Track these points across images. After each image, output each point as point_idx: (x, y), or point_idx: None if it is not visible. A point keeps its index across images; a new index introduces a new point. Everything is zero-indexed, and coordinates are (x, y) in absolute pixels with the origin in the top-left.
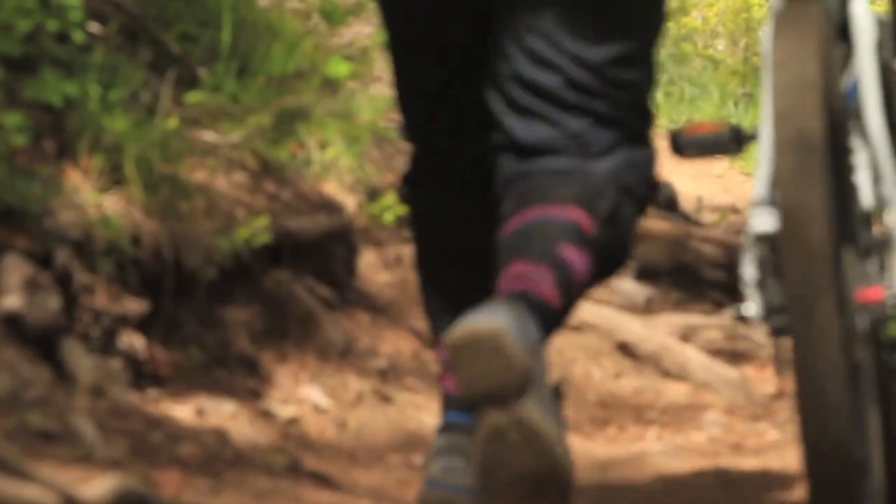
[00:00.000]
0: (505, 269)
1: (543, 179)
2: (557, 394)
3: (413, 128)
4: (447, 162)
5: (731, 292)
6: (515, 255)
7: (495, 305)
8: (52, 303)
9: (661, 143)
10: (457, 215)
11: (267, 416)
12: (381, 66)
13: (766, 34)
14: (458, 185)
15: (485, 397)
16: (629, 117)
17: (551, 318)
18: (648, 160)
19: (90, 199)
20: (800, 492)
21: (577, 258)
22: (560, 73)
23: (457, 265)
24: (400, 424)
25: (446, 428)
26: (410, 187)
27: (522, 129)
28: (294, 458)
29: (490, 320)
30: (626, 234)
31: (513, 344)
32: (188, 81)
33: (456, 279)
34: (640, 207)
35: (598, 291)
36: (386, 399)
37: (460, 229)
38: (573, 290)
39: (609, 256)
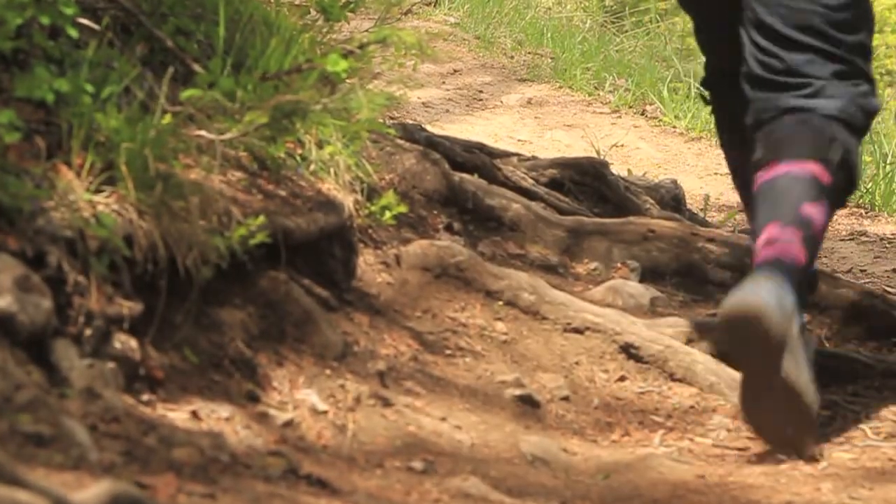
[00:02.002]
0: (760, 231)
1: (786, 133)
2: (809, 344)
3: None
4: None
5: None
6: (768, 216)
7: (757, 280)
8: (44, 304)
9: (666, 140)
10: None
11: (263, 419)
12: (380, 63)
13: None
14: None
15: (751, 360)
16: (850, 55)
17: (800, 273)
18: (867, 93)
19: (83, 197)
20: (808, 495)
21: (816, 212)
22: (788, 18)
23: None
24: (399, 428)
25: None
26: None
27: (757, 64)
28: (291, 462)
29: (753, 299)
30: (853, 169)
31: (772, 318)
32: (183, 77)
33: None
34: (861, 137)
35: (602, 293)
36: (385, 402)
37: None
38: (816, 242)
39: (841, 192)
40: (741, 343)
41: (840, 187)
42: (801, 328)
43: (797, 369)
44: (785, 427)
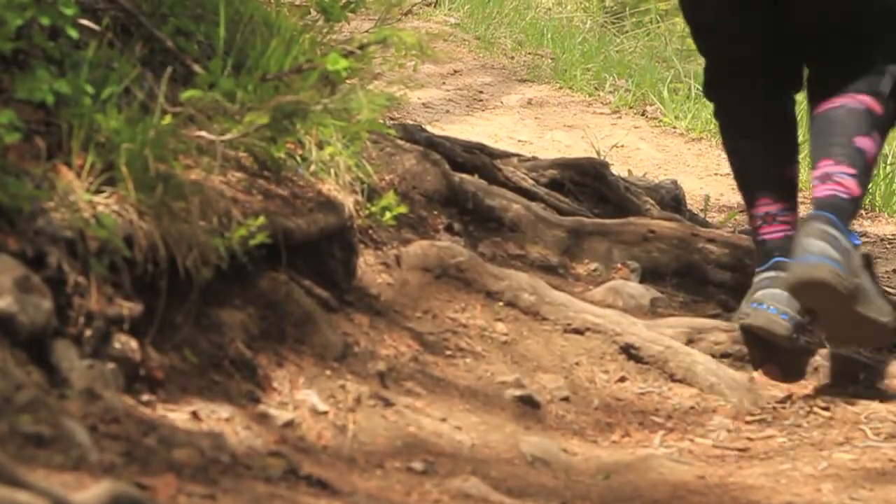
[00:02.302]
0: (816, 166)
1: (839, 72)
2: (869, 263)
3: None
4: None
5: (738, 294)
6: (822, 151)
7: (814, 232)
8: (44, 304)
9: (666, 141)
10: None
11: (264, 420)
12: (381, 63)
13: None
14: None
15: (824, 310)
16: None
17: (854, 206)
18: None
19: (83, 198)
20: (808, 496)
21: (868, 144)
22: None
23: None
24: (399, 428)
25: (773, 266)
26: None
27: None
28: (291, 462)
29: (817, 267)
30: None
31: (838, 279)
32: (183, 78)
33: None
34: None
35: (602, 294)
36: (385, 402)
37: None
38: (868, 172)
39: (891, 121)
40: (813, 303)
41: (890, 117)
42: (857, 254)
43: (867, 301)
44: (865, 341)
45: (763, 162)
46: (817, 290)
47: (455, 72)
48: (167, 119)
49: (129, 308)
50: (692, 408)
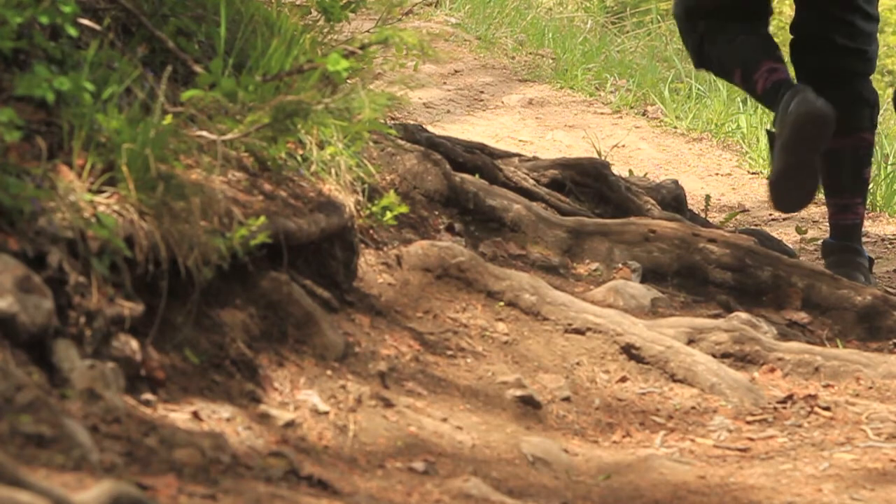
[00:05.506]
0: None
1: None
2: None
3: None
4: None
5: (739, 294)
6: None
7: (806, 89)
8: (45, 304)
9: (667, 141)
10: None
11: (265, 420)
12: (381, 63)
13: None
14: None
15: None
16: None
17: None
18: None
19: (84, 198)
20: (809, 496)
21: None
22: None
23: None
24: (400, 429)
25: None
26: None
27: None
28: (292, 463)
29: (822, 105)
30: None
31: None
32: (184, 78)
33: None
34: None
35: (603, 294)
36: (386, 403)
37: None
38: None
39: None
40: (807, 137)
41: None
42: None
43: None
44: (805, 196)
45: (753, 45)
46: (820, 122)
47: (456, 72)
48: (168, 119)
49: (129, 308)
50: (693, 408)
